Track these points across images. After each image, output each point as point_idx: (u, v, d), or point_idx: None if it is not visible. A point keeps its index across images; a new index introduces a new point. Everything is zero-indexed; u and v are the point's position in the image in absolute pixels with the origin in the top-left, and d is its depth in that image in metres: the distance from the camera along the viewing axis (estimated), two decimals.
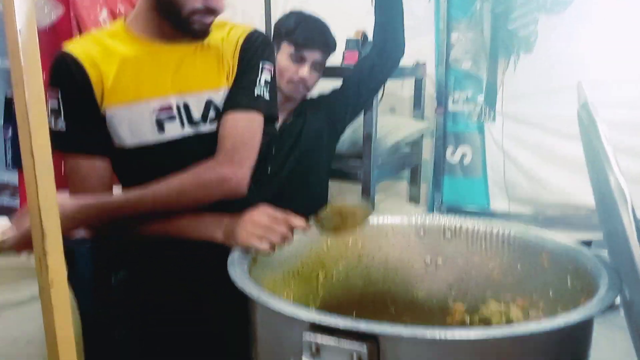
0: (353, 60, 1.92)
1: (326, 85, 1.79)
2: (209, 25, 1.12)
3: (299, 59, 1.59)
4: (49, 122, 0.99)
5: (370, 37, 1.86)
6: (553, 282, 1.11)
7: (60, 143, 1.06)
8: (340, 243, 1.33)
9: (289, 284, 1.20)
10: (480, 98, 2.16)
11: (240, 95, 1.15)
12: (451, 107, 2.24)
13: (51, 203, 0.66)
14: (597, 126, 0.77)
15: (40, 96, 0.67)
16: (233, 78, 1.16)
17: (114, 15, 2.69)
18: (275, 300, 0.82)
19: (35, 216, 0.66)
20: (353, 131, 1.96)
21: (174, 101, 1.13)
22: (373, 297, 1.36)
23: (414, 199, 2.33)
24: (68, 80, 1.09)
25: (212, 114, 1.15)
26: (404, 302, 1.36)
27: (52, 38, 2.56)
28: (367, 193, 1.86)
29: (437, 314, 1.33)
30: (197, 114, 1.15)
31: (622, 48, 1.89)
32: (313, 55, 1.60)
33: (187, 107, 1.14)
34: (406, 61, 2.00)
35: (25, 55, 0.66)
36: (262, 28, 2.44)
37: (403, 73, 2.13)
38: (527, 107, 2.09)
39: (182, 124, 1.14)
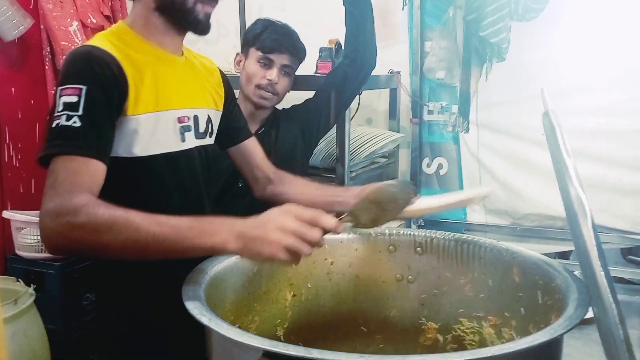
0: (326, 69, 1.89)
1: (300, 97, 1.76)
2: (209, 15, 1.12)
3: (266, 63, 1.57)
4: (55, 117, 0.95)
5: (343, 46, 1.83)
6: (524, 297, 1.08)
7: (68, 141, 0.93)
8: (308, 260, 1.28)
9: (254, 306, 1.15)
10: (455, 108, 2.14)
11: (247, 125, 1.37)
12: (426, 117, 2.22)
13: None
14: (556, 136, 0.74)
15: None
16: (222, 105, 1.28)
17: (85, 26, 2.64)
18: (227, 328, 0.77)
19: None
20: (327, 143, 1.93)
21: (190, 113, 1.16)
22: (344, 316, 1.31)
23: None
24: (102, 76, 0.99)
25: (210, 129, 1.22)
26: (376, 320, 1.31)
27: (22, 49, 2.51)
28: None
29: (410, 333, 1.29)
30: (202, 127, 1.19)
31: (591, 55, 1.90)
32: (281, 59, 1.58)
33: (196, 120, 1.17)
34: (381, 70, 1.98)
35: None
36: (237, 39, 2.41)
37: (378, 82, 2.11)
38: (501, 116, 2.07)
39: (195, 135, 1.17)
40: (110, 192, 0.97)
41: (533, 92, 1.99)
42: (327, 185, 1.38)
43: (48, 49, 2.62)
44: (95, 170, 0.95)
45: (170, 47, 1.14)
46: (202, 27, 1.12)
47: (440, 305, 1.26)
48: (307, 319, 1.26)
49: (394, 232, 1.31)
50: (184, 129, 1.14)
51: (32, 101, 2.53)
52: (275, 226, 0.86)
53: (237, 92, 1.50)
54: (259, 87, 1.57)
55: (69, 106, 0.94)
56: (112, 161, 1.01)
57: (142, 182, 1.09)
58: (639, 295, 1.76)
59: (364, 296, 1.31)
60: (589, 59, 1.90)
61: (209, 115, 1.21)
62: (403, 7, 2.17)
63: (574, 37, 1.90)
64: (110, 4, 2.79)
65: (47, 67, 2.62)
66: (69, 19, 2.57)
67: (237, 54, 1.70)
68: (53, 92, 2.61)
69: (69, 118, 0.93)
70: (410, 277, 1.29)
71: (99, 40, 1.06)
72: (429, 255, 1.27)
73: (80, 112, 0.94)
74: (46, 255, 2.21)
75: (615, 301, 0.65)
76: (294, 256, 0.87)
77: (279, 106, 1.72)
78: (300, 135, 1.69)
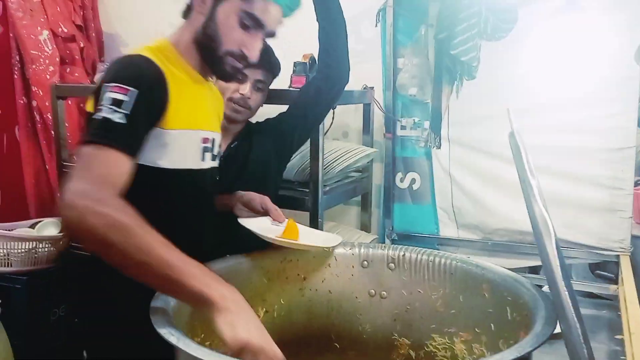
0: (300, 83, 1.89)
1: (274, 111, 1.76)
2: (238, 70, 1.20)
3: (240, 78, 1.56)
4: (99, 107, 1.00)
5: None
6: (494, 313, 1.10)
7: (111, 134, 0.98)
8: (281, 276, 1.28)
9: None
10: (427, 124, 2.17)
11: None
12: (399, 132, 2.24)
13: None
14: (522, 155, 0.76)
15: None
16: None
17: (55, 35, 2.60)
18: (195, 347, 0.76)
19: None
20: (301, 158, 1.92)
21: (210, 135, 1.24)
22: (317, 332, 1.31)
23: (364, 226, 2.31)
24: (151, 87, 1.06)
25: (218, 153, 1.31)
26: (349, 336, 1.32)
27: None
28: (315, 220, 1.82)
29: (383, 349, 1.30)
30: (216, 149, 1.28)
31: (558, 74, 1.94)
32: (254, 74, 1.57)
33: (213, 142, 1.26)
34: (354, 85, 2.00)
35: None
36: None
37: (351, 97, 2.12)
38: (472, 133, 2.11)
39: (211, 157, 1.25)
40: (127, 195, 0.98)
41: (502, 109, 2.04)
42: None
43: (17, 57, 2.57)
44: (127, 169, 0.99)
45: (202, 72, 1.22)
46: (225, 76, 1.21)
47: (413, 321, 1.27)
48: (279, 335, 1.23)
49: (367, 247, 1.32)
50: (205, 150, 1.22)
51: (0, 111, 2.48)
52: (256, 335, 0.84)
53: None
54: (231, 100, 1.56)
55: (116, 102, 0.99)
56: (153, 171, 1.10)
57: (160, 193, 1.14)
58: (607, 310, 1.81)
59: (336, 312, 1.32)
60: (556, 78, 1.94)
61: (219, 139, 1.30)
62: (376, 24, 2.20)
63: (541, 56, 1.95)
64: (82, 13, 2.75)
65: (15, 76, 2.58)
66: (39, 28, 2.52)
67: None
68: (22, 101, 2.57)
69: (114, 112, 0.98)
70: (383, 292, 1.30)
71: (148, 53, 1.11)
72: (401, 270, 1.28)
73: (127, 112, 0.99)
74: (12, 269, 2.16)
75: (579, 319, 0.66)
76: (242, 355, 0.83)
77: (253, 119, 1.71)
78: (274, 149, 1.68)
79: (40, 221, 2.46)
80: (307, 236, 1.32)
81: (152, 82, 1.06)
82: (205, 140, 1.22)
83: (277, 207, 1.37)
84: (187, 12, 1.22)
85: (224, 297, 0.85)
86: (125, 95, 1.00)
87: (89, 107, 1.09)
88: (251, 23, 1.15)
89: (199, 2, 1.17)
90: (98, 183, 0.92)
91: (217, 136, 1.29)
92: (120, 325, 1.17)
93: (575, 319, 0.64)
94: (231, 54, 1.16)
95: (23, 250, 2.22)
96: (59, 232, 2.37)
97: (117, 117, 0.98)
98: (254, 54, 1.18)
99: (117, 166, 0.97)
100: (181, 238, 0.91)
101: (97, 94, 1.04)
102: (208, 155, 1.24)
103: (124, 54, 1.13)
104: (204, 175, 1.24)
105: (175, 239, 0.89)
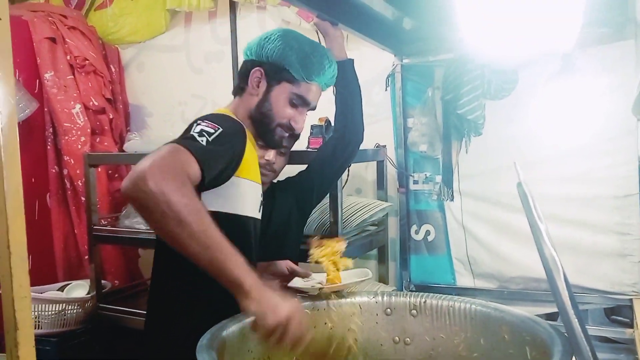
0: (317, 144, 2.02)
1: (293, 170, 1.88)
2: (283, 139, 1.42)
3: (264, 145, 1.68)
4: (188, 135, 1.12)
5: (333, 123, 1.98)
6: (514, 354, 1.15)
7: (191, 145, 1.07)
8: (309, 324, 1.34)
9: None
10: (438, 178, 2.28)
11: None
12: (412, 186, 2.35)
13: (25, 294, 0.69)
14: (529, 203, 0.86)
15: (18, 190, 0.71)
16: None
17: (87, 108, 2.79)
18: None
19: (9, 307, 0.68)
20: (320, 213, 2.02)
21: (262, 190, 1.40)
22: None
23: (382, 278, 2.37)
24: (233, 129, 1.22)
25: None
26: None
27: (26, 130, 2.63)
28: None
29: None
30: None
31: (561, 127, 2.06)
32: None
33: (263, 197, 1.40)
34: (368, 144, 2.13)
35: (5, 152, 0.71)
36: None
37: (366, 155, 2.24)
38: (481, 185, 2.21)
39: (259, 209, 1.39)
40: None
41: (509, 162, 2.16)
42: None
43: (51, 129, 2.75)
44: (198, 175, 1.06)
45: (255, 139, 1.41)
46: (273, 145, 1.45)
47: None
48: None
49: (389, 295, 1.39)
50: (261, 203, 1.38)
51: (33, 179, 2.63)
52: (286, 308, 0.98)
53: None
54: (258, 165, 1.68)
55: (204, 132, 1.13)
56: (217, 215, 1.13)
57: (235, 239, 1.16)
58: (624, 354, 1.83)
59: (363, 359, 1.37)
60: (559, 132, 2.06)
61: None
62: (386, 89, 2.37)
63: (543, 113, 2.07)
64: (110, 87, 2.96)
65: (49, 147, 2.75)
66: (72, 102, 2.72)
67: None
68: (54, 170, 2.72)
69: (200, 136, 1.12)
70: (407, 339, 1.35)
71: (229, 113, 1.34)
72: (423, 317, 1.34)
73: (210, 139, 1.12)
74: (42, 331, 2.22)
75: (587, 338, 0.74)
76: (279, 341, 0.98)
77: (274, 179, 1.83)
78: (295, 206, 1.78)
79: (68, 284, 2.55)
80: (344, 276, 1.41)
81: (236, 129, 1.23)
82: (261, 194, 1.38)
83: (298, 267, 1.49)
84: (239, 91, 1.43)
85: (251, 286, 0.98)
86: (214, 129, 1.15)
87: None
88: (299, 102, 1.39)
89: (253, 86, 1.39)
90: (178, 169, 1.00)
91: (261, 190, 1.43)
92: None
93: (583, 336, 0.71)
94: (281, 125, 1.38)
95: (52, 312, 2.30)
96: (86, 293, 2.44)
97: (201, 139, 1.11)
98: (299, 127, 1.41)
99: (192, 167, 1.04)
100: None
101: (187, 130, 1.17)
102: (260, 207, 1.39)
103: (217, 113, 1.32)
104: (257, 224, 1.38)
105: None
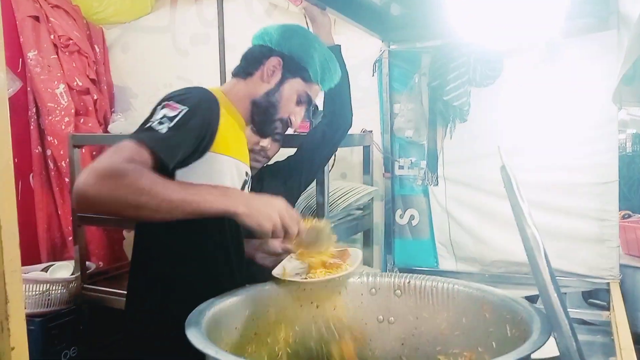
0: (305, 129, 2.04)
1: (282, 154, 1.89)
2: (277, 131, 1.40)
3: None
4: (150, 120, 1.13)
5: (320, 107, 1.99)
6: (495, 332, 1.19)
7: (150, 139, 1.09)
8: (295, 304, 1.37)
9: (246, 348, 1.22)
10: (423, 163, 2.31)
11: None
12: (397, 172, 2.38)
13: (15, 268, 0.69)
14: (512, 185, 0.88)
15: (8, 163, 0.71)
16: None
17: (71, 89, 2.75)
18: (234, 358, 0.85)
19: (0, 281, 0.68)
20: (306, 197, 2.04)
21: (248, 171, 1.40)
22: (329, 357, 1.38)
23: (367, 262, 2.40)
24: (203, 109, 1.19)
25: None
26: None
27: (9, 111, 2.59)
28: None
29: None
30: (249, 184, 1.42)
31: (544, 115, 2.10)
32: None
33: (249, 178, 1.40)
34: (354, 129, 2.14)
35: None
36: None
37: (352, 140, 2.26)
38: (465, 171, 2.25)
39: (248, 190, 1.40)
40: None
41: (493, 149, 2.20)
42: None
43: (34, 109, 2.71)
44: (150, 165, 1.07)
45: (246, 121, 1.40)
46: (266, 134, 1.44)
47: (419, 344, 1.35)
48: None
49: (374, 276, 1.42)
50: (245, 183, 1.37)
51: (16, 159, 2.58)
52: (275, 208, 1.11)
53: None
54: (252, 151, 1.69)
55: (166, 117, 1.13)
56: None
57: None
58: (601, 335, 1.89)
59: (347, 338, 1.40)
60: (542, 120, 2.10)
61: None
62: (373, 74, 2.38)
63: (527, 100, 2.11)
64: (95, 68, 2.92)
65: (32, 127, 2.71)
66: (55, 82, 2.68)
67: None
68: (37, 150, 2.69)
69: (160, 124, 1.11)
70: (390, 318, 1.38)
71: (209, 88, 1.29)
72: (407, 297, 1.37)
73: (171, 124, 1.11)
74: (26, 311, 2.20)
75: (566, 314, 0.77)
76: (276, 234, 1.12)
77: None
78: (283, 190, 1.80)
79: (52, 264, 2.54)
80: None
81: (206, 106, 1.20)
82: (246, 173, 1.37)
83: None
84: (243, 74, 1.39)
85: (237, 206, 1.06)
86: (175, 111, 1.14)
87: None
88: (305, 100, 1.40)
89: (268, 74, 1.36)
90: (120, 159, 1.02)
91: (249, 176, 1.41)
92: None
93: (564, 315, 0.74)
94: (281, 120, 1.38)
95: (37, 292, 2.29)
96: (71, 274, 2.44)
97: (160, 128, 1.11)
98: (297, 123, 1.42)
99: (141, 155, 1.06)
100: (216, 255, 1.08)
101: (152, 112, 1.17)
102: (246, 187, 1.38)
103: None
104: None
105: (211, 258, 1.08)
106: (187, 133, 1.14)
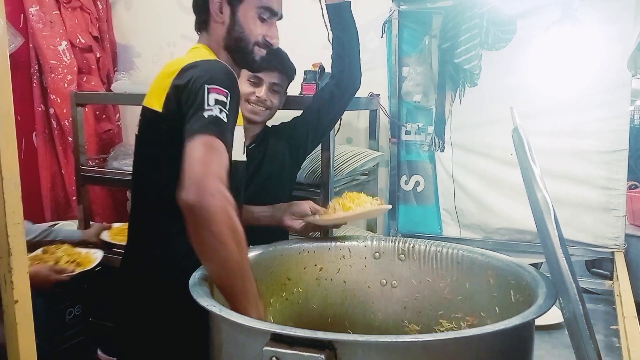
0: (311, 91, 1.99)
1: (287, 116, 1.86)
2: (263, 57, 1.34)
3: (256, 82, 1.66)
4: (207, 108, 1.08)
5: (327, 69, 1.95)
6: (498, 297, 1.19)
7: (221, 129, 1.07)
8: (299, 265, 1.37)
9: None
10: (431, 129, 2.28)
11: None
12: (404, 137, 2.35)
13: (18, 220, 0.68)
14: (525, 147, 0.86)
15: (9, 113, 0.69)
16: None
17: (73, 46, 2.71)
18: (237, 315, 0.85)
19: (2, 233, 0.68)
20: (311, 160, 2.02)
21: (244, 130, 1.35)
22: (332, 319, 1.40)
23: (370, 227, 2.40)
24: (234, 88, 1.17)
25: None
26: (361, 324, 1.40)
27: (10, 68, 2.55)
28: None
29: (394, 335, 1.37)
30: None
31: (555, 80, 2.06)
32: (270, 77, 1.67)
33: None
34: (361, 92, 2.10)
35: None
36: None
37: (359, 103, 2.22)
38: (473, 137, 2.22)
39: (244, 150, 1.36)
40: None
41: (502, 115, 2.17)
42: (253, 206, 1.56)
43: (36, 67, 2.67)
44: (227, 162, 1.06)
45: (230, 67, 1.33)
46: (256, 66, 1.37)
47: (422, 308, 1.36)
48: (296, 321, 1.34)
49: (378, 240, 1.42)
50: (244, 144, 1.35)
51: (18, 117, 2.57)
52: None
53: None
54: (248, 102, 1.66)
55: (220, 102, 1.09)
56: None
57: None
58: (603, 304, 1.90)
59: (350, 300, 1.40)
60: (553, 84, 2.05)
61: None
62: (382, 35, 2.32)
63: (539, 65, 2.06)
64: (97, 25, 2.86)
65: (34, 85, 2.68)
66: (58, 39, 2.63)
67: None
68: (40, 108, 2.66)
69: (220, 111, 1.08)
70: (393, 282, 1.39)
71: (215, 58, 1.27)
72: (410, 261, 1.37)
73: (227, 111, 1.09)
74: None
75: (574, 278, 0.76)
76: None
77: (268, 123, 1.81)
78: (288, 152, 1.78)
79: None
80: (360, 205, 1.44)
81: (235, 86, 1.18)
82: (243, 135, 1.35)
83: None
84: (203, 26, 1.34)
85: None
86: (225, 96, 1.11)
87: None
88: (267, 14, 1.31)
89: (216, 13, 1.29)
90: (216, 175, 0.98)
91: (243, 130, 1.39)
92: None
93: (571, 278, 0.73)
94: (257, 44, 1.31)
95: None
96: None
97: (223, 116, 1.08)
98: (276, 41, 1.34)
99: (224, 160, 1.04)
100: None
101: (195, 93, 1.11)
102: (244, 148, 1.36)
103: (207, 59, 1.23)
104: (243, 167, 1.35)
105: None
106: (235, 112, 1.14)
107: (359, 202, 1.42)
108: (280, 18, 1.36)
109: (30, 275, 1.70)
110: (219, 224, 0.95)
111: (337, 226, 1.59)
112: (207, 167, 0.98)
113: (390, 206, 1.47)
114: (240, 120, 1.31)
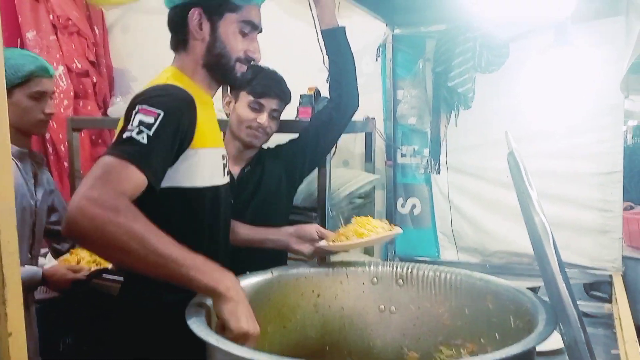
0: (307, 114, 2.00)
1: (280, 139, 1.86)
2: (245, 72, 1.31)
3: (257, 108, 1.67)
4: (128, 129, 1.05)
5: (322, 92, 1.96)
6: (498, 323, 1.17)
7: (132, 151, 1.03)
8: (297, 292, 1.35)
9: None
10: (426, 151, 2.28)
11: None
12: (400, 159, 2.36)
13: (12, 250, 0.67)
14: (521, 171, 0.86)
15: (5, 142, 0.68)
16: None
17: (70, 71, 2.72)
18: (235, 346, 0.84)
19: None
20: (308, 184, 2.01)
21: (224, 152, 1.34)
22: (330, 347, 1.37)
23: (368, 251, 2.39)
24: (179, 111, 1.12)
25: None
26: (360, 351, 1.38)
27: None
28: None
29: None
30: (226, 166, 1.36)
31: (549, 103, 2.08)
32: (270, 104, 1.68)
33: (226, 158, 1.34)
34: (357, 116, 2.11)
35: None
36: None
37: (355, 126, 2.23)
38: (469, 159, 2.22)
39: (224, 173, 1.32)
40: (167, 220, 1.04)
41: (497, 137, 2.17)
42: (257, 227, 1.54)
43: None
44: (141, 184, 1.03)
45: (210, 92, 1.32)
46: (238, 83, 1.34)
47: (421, 334, 1.34)
48: (294, 349, 1.31)
49: (376, 265, 1.40)
50: (224, 166, 1.32)
51: None
52: (254, 323, 1.00)
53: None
54: (250, 127, 1.67)
55: (144, 124, 1.06)
56: (175, 192, 1.16)
57: (199, 212, 1.22)
58: (602, 328, 1.88)
59: (349, 327, 1.38)
60: (548, 107, 2.07)
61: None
62: (376, 59, 2.34)
63: (533, 87, 2.08)
64: (94, 50, 2.88)
65: None
66: (54, 64, 2.64)
67: (227, 95, 1.79)
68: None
69: (139, 133, 1.05)
70: (392, 307, 1.37)
71: (174, 80, 1.22)
72: (409, 286, 1.36)
73: (151, 133, 1.05)
74: None
75: (574, 304, 0.75)
76: (236, 337, 0.96)
77: (264, 146, 1.81)
78: (285, 174, 1.77)
79: None
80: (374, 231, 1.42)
81: (181, 105, 1.13)
82: (224, 156, 1.32)
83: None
84: (180, 45, 1.29)
85: (228, 288, 0.97)
86: (153, 117, 1.07)
87: (119, 127, 1.17)
88: (248, 28, 1.28)
89: (196, 30, 1.24)
90: (113, 192, 0.96)
91: (226, 159, 1.36)
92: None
93: (572, 305, 0.72)
94: (239, 60, 1.27)
95: None
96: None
97: (141, 137, 1.04)
98: (258, 56, 1.30)
99: (131, 179, 1.01)
100: (204, 251, 1.00)
101: (128, 115, 1.11)
102: (225, 170, 1.33)
103: (162, 83, 1.21)
104: (226, 190, 1.33)
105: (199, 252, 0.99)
106: (168, 137, 1.09)
107: (370, 228, 1.39)
108: (260, 32, 1.32)
109: (47, 275, 1.67)
110: (93, 239, 0.93)
111: (346, 250, 1.57)
112: (81, 192, 0.94)
113: (401, 230, 1.44)
114: (217, 142, 1.31)
